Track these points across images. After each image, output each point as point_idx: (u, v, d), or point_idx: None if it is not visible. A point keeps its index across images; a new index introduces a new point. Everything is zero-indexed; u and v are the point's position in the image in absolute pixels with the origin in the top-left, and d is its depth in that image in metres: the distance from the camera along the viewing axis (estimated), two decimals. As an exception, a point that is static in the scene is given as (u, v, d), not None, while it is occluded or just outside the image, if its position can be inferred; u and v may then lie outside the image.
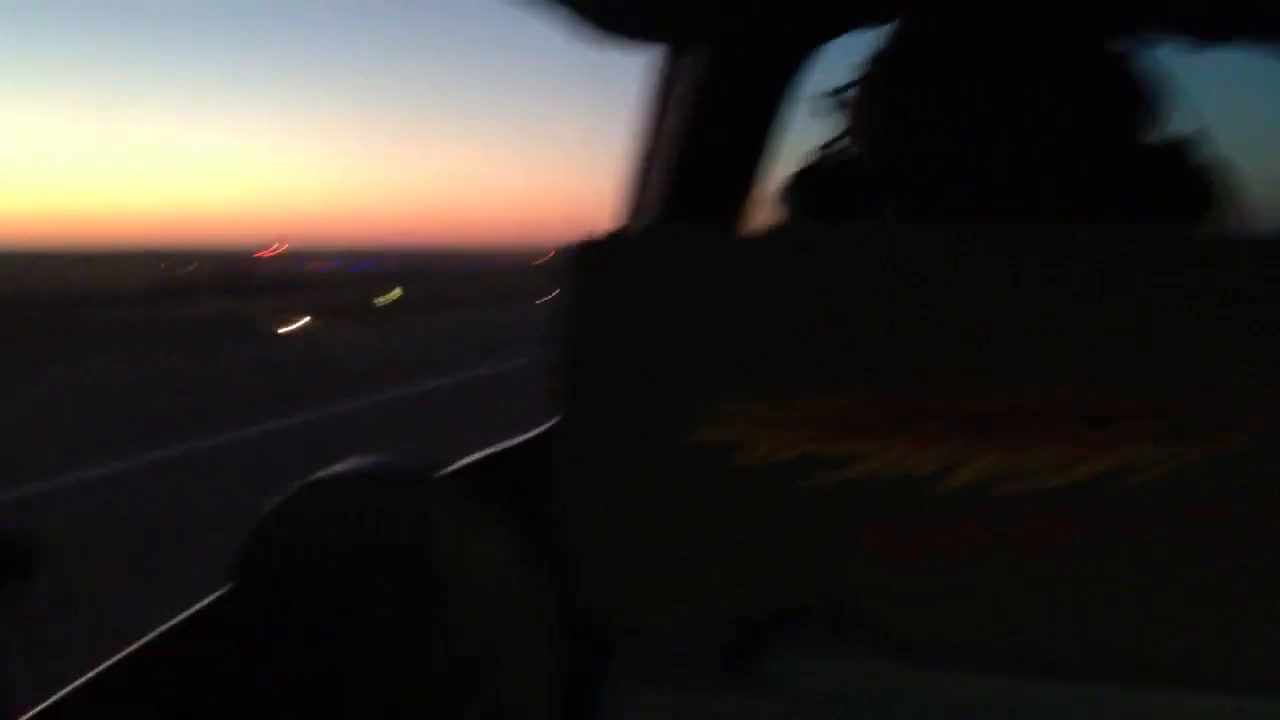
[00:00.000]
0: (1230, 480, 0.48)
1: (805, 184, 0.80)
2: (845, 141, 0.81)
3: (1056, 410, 0.49)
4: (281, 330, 15.92)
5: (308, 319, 17.07)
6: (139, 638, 0.78)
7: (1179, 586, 0.49)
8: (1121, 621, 0.50)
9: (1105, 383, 0.49)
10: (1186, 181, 0.74)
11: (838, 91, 0.82)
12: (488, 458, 1.04)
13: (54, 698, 0.72)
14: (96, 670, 0.75)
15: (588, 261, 0.56)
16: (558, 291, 0.57)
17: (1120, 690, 0.51)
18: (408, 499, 0.65)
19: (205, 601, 0.79)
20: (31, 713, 0.70)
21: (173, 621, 0.79)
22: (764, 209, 1.04)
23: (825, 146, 0.82)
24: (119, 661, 0.76)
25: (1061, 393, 0.49)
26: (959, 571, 0.51)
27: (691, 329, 0.54)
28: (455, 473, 0.99)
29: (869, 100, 0.78)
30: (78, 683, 0.73)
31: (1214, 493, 0.48)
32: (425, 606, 0.64)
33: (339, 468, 0.67)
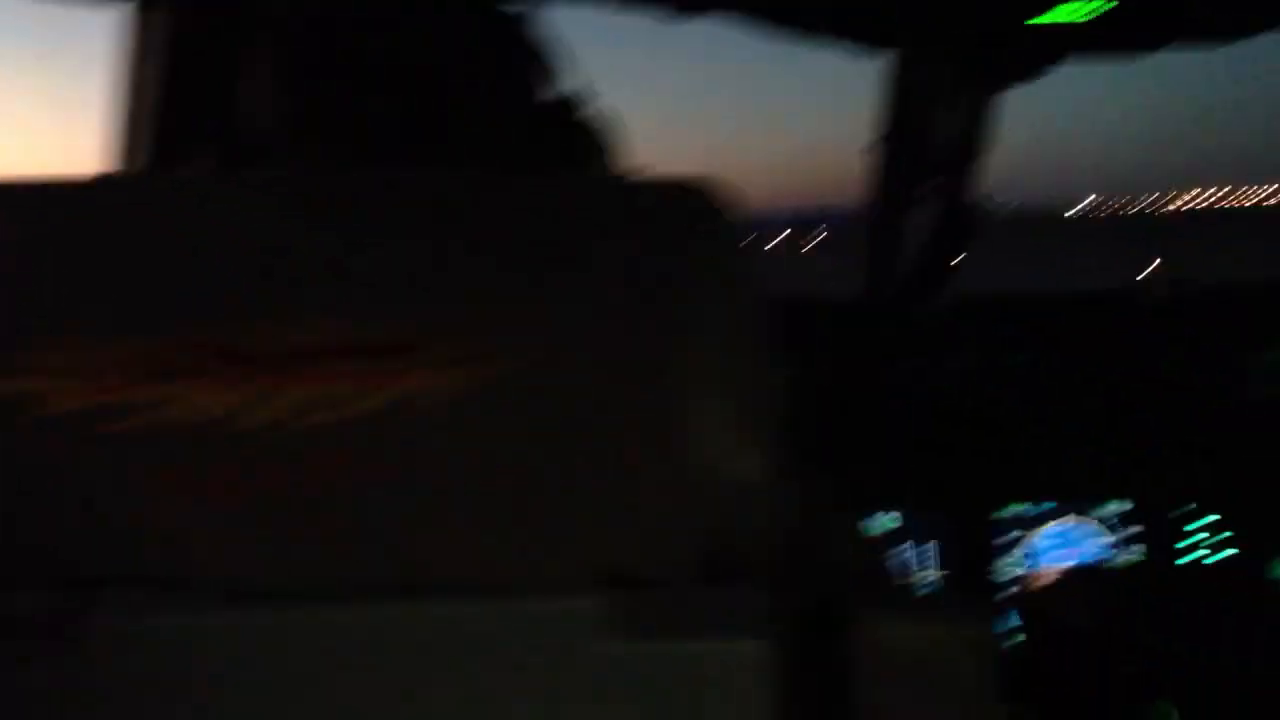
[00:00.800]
0: (506, 405, 0.51)
1: (212, 132, 0.78)
2: (261, 88, 0.77)
3: (349, 345, 0.51)
4: None
5: None
6: None
7: (465, 505, 0.52)
8: (412, 541, 0.53)
9: (392, 317, 0.51)
10: (570, 134, 0.78)
11: (235, 38, 0.79)
12: None
13: None
14: None
15: None
16: None
17: (418, 607, 0.53)
18: None
19: None
20: None
21: None
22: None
23: (243, 93, 0.80)
24: None
25: (354, 328, 0.51)
26: (266, 510, 0.52)
27: None
28: None
29: (275, 52, 0.76)
30: None
31: (492, 417, 0.51)
32: None
33: None
